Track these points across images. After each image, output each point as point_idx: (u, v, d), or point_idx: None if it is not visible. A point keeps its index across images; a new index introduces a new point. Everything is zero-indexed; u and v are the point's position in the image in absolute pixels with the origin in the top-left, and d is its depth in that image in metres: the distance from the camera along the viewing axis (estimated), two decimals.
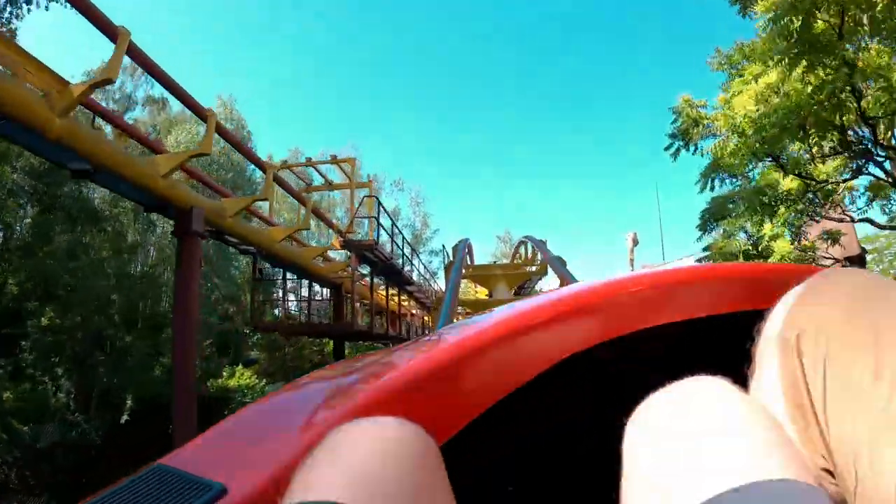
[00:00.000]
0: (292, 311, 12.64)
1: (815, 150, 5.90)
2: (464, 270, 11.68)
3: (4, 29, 9.01)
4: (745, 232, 7.17)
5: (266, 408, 0.53)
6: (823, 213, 6.55)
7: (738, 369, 0.37)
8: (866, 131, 5.69)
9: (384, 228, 9.78)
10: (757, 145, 5.36)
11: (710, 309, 0.52)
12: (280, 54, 44.19)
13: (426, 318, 16.11)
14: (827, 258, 6.78)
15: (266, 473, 0.34)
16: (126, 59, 5.02)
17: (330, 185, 12.22)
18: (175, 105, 23.62)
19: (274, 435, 0.42)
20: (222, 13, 38.52)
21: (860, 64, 4.77)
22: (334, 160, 10.84)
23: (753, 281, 0.55)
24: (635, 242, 23.82)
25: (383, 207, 9.58)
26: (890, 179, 5.89)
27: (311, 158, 12.22)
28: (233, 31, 41.20)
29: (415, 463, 0.28)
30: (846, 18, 4.68)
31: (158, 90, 23.23)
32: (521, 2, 44.27)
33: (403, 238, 11.19)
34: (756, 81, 5.35)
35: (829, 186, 6.24)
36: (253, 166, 13.14)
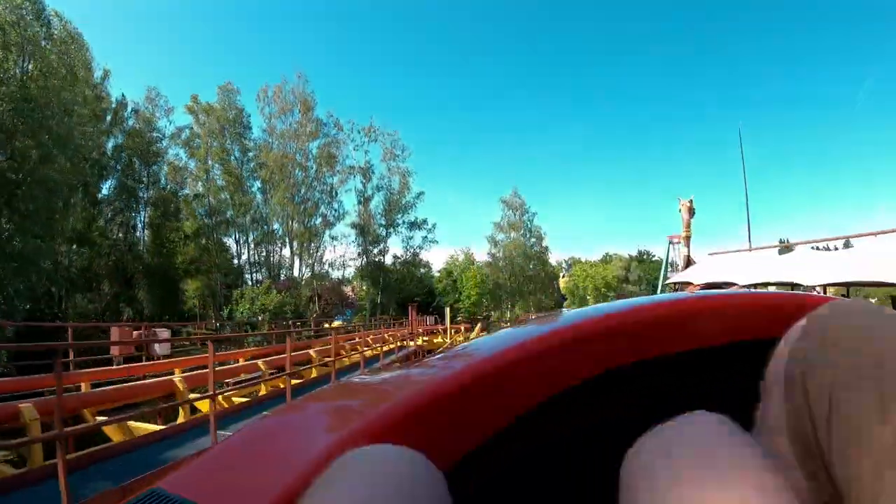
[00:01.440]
0: None
1: None
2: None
3: None
4: None
5: (266, 431, 0.50)
6: None
7: (750, 399, 0.38)
8: None
9: None
10: None
11: (723, 338, 0.54)
12: None
13: None
14: None
15: (266, 502, 0.34)
16: None
17: None
18: None
19: (275, 460, 0.42)
20: None
21: None
22: None
23: (767, 309, 0.56)
24: (691, 213, 19.01)
25: None
26: None
27: None
28: None
29: (419, 492, 0.28)
30: None
31: None
32: None
33: None
34: None
35: None
36: None
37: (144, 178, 28.80)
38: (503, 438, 0.44)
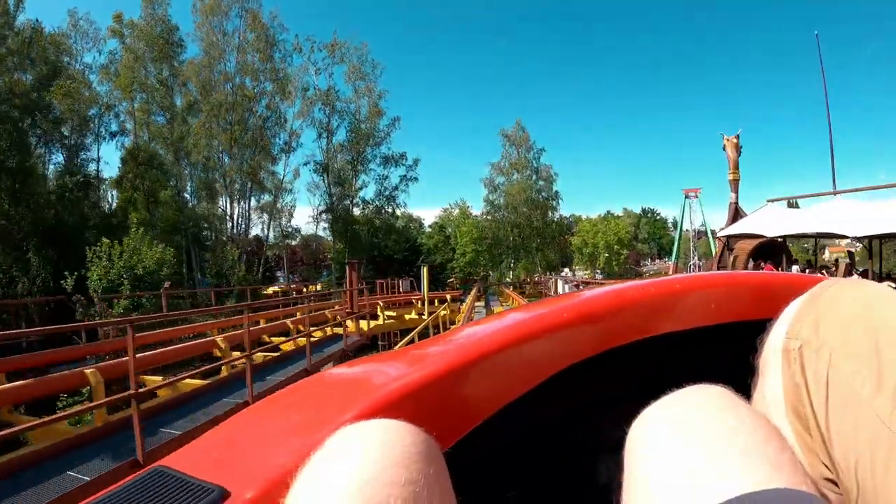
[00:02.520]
0: None
1: None
2: None
3: None
4: None
5: (268, 410, 0.52)
6: None
7: (744, 377, 0.39)
8: None
9: None
10: None
11: (716, 318, 0.55)
12: None
13: None
14: None
15: (268, 477, 0.34)
16: None
17: None
18: None
19: (277, 438, 0.43)
20: None
21: None
22: None
23: (759, 290, 0.58)
24: (738, 150, 16.65)
25: None
26: None
27: None
28: None
29: (418, 466, 0.27)
30: None
31: None
32: None
33: None
34: None
35: None
36: None
37: (63, 115, 23.77)
38: (504, 417, 0.45)
